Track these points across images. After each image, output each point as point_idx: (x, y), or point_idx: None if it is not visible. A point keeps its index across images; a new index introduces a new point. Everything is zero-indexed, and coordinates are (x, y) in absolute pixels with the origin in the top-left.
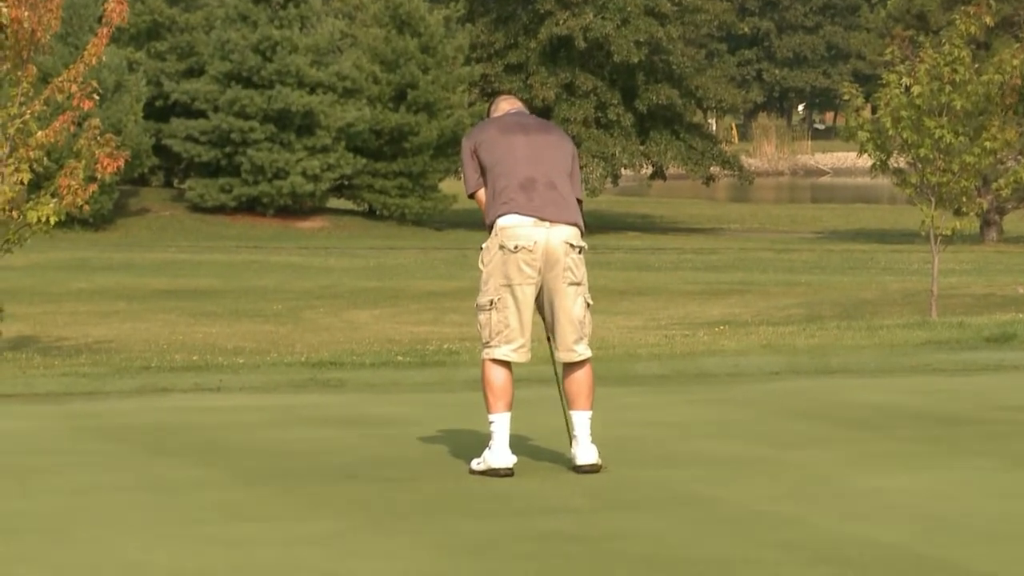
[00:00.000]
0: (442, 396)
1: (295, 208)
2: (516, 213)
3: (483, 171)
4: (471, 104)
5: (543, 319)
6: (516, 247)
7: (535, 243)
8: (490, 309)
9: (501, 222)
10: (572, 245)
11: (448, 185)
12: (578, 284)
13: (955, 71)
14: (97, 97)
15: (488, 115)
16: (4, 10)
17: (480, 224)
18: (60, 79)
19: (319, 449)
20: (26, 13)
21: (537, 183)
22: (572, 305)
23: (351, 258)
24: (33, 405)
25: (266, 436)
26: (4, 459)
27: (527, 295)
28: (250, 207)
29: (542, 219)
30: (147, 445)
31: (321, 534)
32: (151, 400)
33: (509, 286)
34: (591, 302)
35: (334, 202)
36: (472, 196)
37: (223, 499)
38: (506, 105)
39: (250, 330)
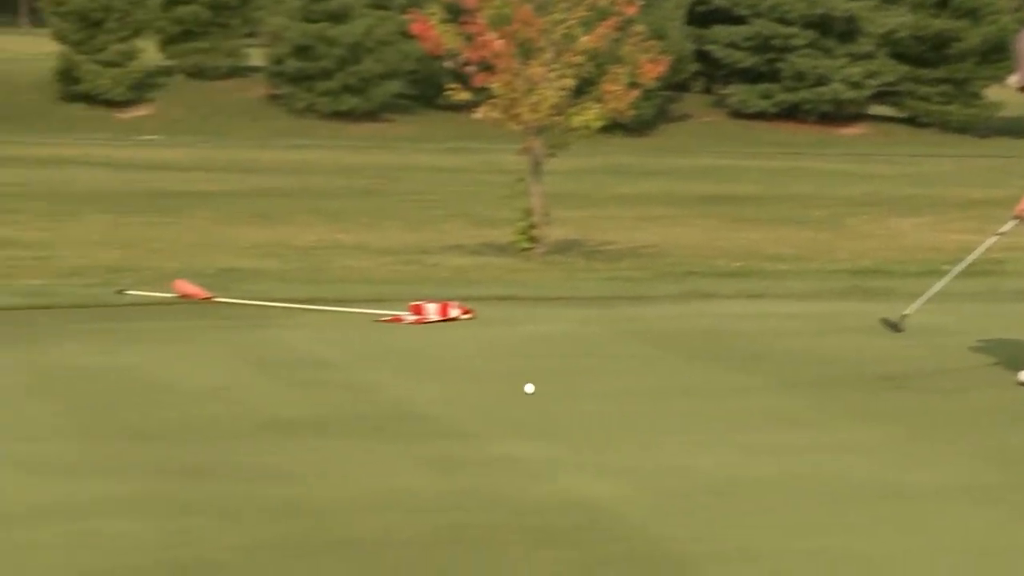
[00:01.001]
0: (988, 306)
1: (836, 115)
2: None
3: None
4: (1016, 9)
5: None
6: None
7: None
8: None
9: None
10: None
11: (993, 92)
12: None
13: None
14: (641, 3)
15: None
16: None
17: None
18: None
19: (863, 358)
20: None
21: None
22: None
23: (892, 165)
24: (578, 308)
25: (810, 343)
26: (551, 362)
27: None
28: (790, 113)
29: None
30: (690, 350)
31: (865, 443)
32: (695, 305)
33: None
34: None
35: (875, 109)
36: None
37: (765, 405)
38: None
39: (791, 236)
